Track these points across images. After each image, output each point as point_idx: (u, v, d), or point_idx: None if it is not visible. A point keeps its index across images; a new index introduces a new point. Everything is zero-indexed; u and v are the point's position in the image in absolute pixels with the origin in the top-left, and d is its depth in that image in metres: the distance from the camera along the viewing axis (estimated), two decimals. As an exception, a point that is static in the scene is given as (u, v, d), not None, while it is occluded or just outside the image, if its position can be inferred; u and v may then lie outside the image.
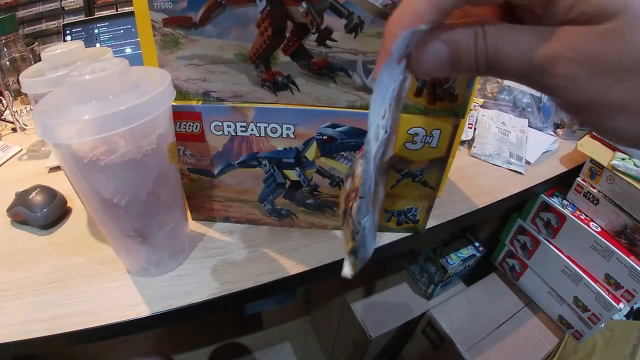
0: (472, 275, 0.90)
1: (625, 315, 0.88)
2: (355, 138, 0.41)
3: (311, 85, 0.39)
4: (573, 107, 0.17)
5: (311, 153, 0.43)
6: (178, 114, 0.41)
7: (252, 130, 0.41)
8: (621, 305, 0.61)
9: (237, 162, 0.44)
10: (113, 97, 0.33)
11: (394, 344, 0.88)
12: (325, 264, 0.46)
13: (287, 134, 0.41)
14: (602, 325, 0.66)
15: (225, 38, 0.37)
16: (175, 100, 0.39)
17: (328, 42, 0.36)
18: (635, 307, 0.91)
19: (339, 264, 0.47)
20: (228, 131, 0.42)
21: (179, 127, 0.42)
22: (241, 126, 0.41)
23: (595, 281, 0.64)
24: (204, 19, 0.37)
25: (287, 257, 0.47)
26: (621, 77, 0.15)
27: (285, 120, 0.40)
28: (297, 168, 0.44)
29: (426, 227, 0.51)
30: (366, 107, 0.39)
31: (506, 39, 0.17)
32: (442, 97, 0.38)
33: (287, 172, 0.45)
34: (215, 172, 0.45)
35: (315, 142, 0.42)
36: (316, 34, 0.36)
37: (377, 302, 0.84)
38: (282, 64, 0.38)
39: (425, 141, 0.40)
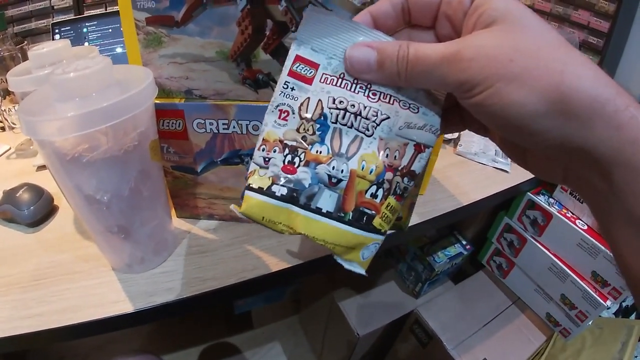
0: (460, 273, 0.91)
1: (614, 313, 0.89)
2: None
3: (292, 83, 0.39)
4: (475, 84, 0.21)
5: None
6: (161, 112, 0.41)
7: (234, 127, 0.42)
8: (608, 303, 0.61)
9: (219, 159, 0.44)
10: (96, 94, 0.33)
11: (383, 342, 0.89)
12: (309, 261, 0.47)
13: (269, 131, 0.41)
14: (590, 323, 0.66)
15: (207, 37, 0.38)
16: (158, 98, 0.39)
17: (308, 41, 0.37)
18: (624, 304, 0.91)
19: (322, 261, 0.47)
20: (210, 129, 0.42)
21: (162, 125, 0.42)
22: (223, 124, 0.41)
23: (582, 279, 0.64)
24: (185, 18, 0.37)
25: (271, 254, 0.47)
26: (513, 58, 0.20)
27: (267, 118, 0.41)
28: (280, 165, 0.44)
29: (410, 225, 0.51)
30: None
31: (425, 46, 0.23)
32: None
33: (270, 169, 0.45)
34: (199, 169, 0.46)
35: None
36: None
37: (365, 301, 0.84)
38: (263, 61, 0.38)
39: None
